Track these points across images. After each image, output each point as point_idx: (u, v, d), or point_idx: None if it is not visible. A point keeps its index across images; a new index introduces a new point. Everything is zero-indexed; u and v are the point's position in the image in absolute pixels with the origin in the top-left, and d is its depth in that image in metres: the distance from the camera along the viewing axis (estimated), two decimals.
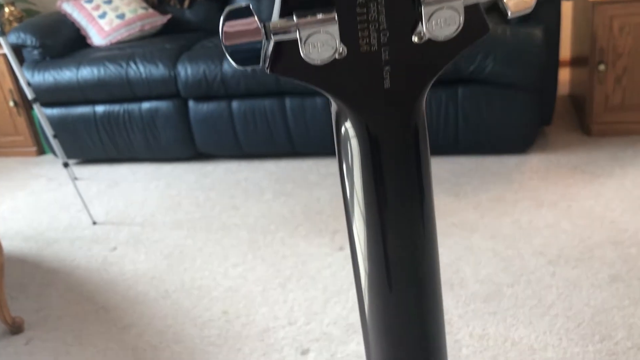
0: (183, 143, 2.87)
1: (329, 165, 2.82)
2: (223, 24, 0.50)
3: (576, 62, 3.04)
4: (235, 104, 2.73)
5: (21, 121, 3.23)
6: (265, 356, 1.69)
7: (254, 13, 0.50)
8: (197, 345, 1.75)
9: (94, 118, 2.89)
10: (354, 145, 0.58)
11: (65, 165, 2.42)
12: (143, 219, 2.47)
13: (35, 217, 2.64)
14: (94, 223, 2.44)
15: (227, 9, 0.50)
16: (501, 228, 2.15)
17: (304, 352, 1.69)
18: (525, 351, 1.60)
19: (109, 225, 2.44)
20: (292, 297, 1.92)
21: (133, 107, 2.84)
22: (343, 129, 0.58)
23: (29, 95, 2.33)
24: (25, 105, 3.21)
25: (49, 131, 2.49)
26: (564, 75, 3.41)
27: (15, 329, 1.86)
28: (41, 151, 3.34)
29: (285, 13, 0.50)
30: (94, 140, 2.95)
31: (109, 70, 2.78)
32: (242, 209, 2.48)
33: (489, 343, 1.64)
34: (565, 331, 1.66)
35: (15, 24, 3.39)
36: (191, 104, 2.78)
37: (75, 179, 2.84)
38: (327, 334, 1.76)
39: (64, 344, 1.80)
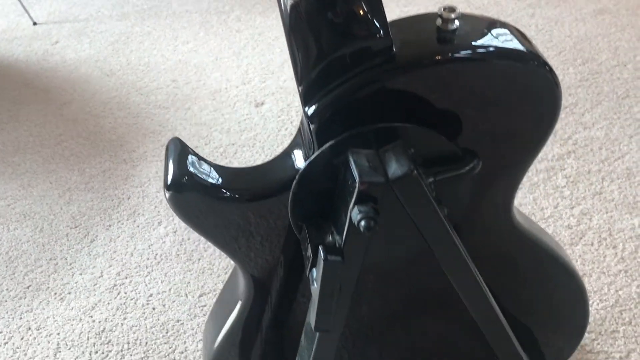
0: None
1: None
2: None
3: None
4: None
5: None
6: (217, 112, 1.55)
7: None
8: (142, 109, 1.60)
9: None
10: None
11: None
12: (88, 15, 2.26)
13: None
14: (35, 24, 2.23)
15: None
16: None
17: (259, 104, 1.55)
18: None
19: (51, 24, 2.23)
20: (246, 62, 1.76)
21: None
22: None
23: None
24: None
25: None
26: None
27: None
28: None
29: None
30: None
31: None
32: None
33: None
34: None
35: None
36: None
37: None
38: (284, 88, 1.61)
39: None
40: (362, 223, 0.41)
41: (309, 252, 0.46)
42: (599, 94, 1.35)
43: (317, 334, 0.49)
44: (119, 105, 1.63)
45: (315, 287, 0.44)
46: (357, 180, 0.41)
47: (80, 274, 1.13)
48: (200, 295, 1.06)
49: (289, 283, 0.61)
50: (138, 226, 1.22)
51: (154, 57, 1.86)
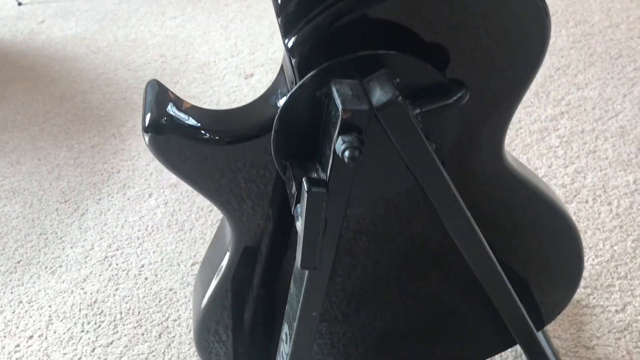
0: None
1: None
2: None
3: None
4: None
5: None
6: (206, 85, 1.53)
7: None
8: (130, 85, 1.58)
9: None
10: None
11: None
12: None
13: None
14: (20, 4, 2.19)
15: None
16: None
17: (248, 76, 1.53)
18: None
19: (36, 4, 2.20)
20: (235, 35, 1.73)
21: None
22: None
23: None
24: None
25: None
26: None
27: None
28: None
29: None
30: None
31: None
32: None
33: None
34: None
35: None
36: None
37: None
38: (273, 59, 1.59)
39: None
40: (347, 153, 0.40)
41: (294, 190, 0.44)
42: (592, 55, 1.34)
43: (306, 278, 0.48)
44: (107, 82, 1.61)
45: (299, 223, 0.43)
46: (340, 108, 0.40)
47: (71, 248, 1.11)
48: (193, 264, 1.05)
49: (277, 237, 0.60)
50: (128, 199, 1.20)
51: (142, 33, 1.83)
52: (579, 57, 1.34)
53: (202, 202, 1.18)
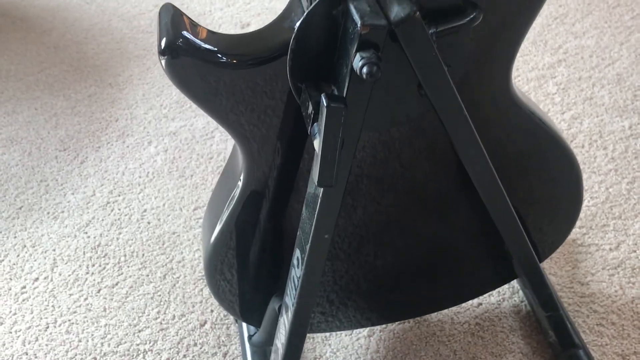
0: None
1: None
2: None
3: None
4: None
5: None
6: None
7: None
8: (125, 34, 1.57)
9: None
10: None
11: None
12: None
13: None
14: None
15: None
16: None
17: (244, 25, 1.52)
18: None
19: None
20: None
21: None
22: None
23: None
24: None
25: None
26: None
27: None
28: None
29: None
30: None
31: None
32: None
33: None
34: None
35: None
36: None
37: None
38: (269, 9, 1.57)
39: None
40: (365, 69, 0.41)
41: (310, 110, 0.45)
42: (590, 4, 1.34)
43: (320, 199, 0.50)
44: (102, 32, 1.60)
45: (317, 140, 0.44)
46: (359, 23, 0.40)
47: (72, 194, 1.12)
48: (195, 209, 1.06)
49: (285, 174, 0.61)
50: (128, 146, 1.21)
51: None
52: (577, 6, 1.34)
53: (202, 150, 1.19)
